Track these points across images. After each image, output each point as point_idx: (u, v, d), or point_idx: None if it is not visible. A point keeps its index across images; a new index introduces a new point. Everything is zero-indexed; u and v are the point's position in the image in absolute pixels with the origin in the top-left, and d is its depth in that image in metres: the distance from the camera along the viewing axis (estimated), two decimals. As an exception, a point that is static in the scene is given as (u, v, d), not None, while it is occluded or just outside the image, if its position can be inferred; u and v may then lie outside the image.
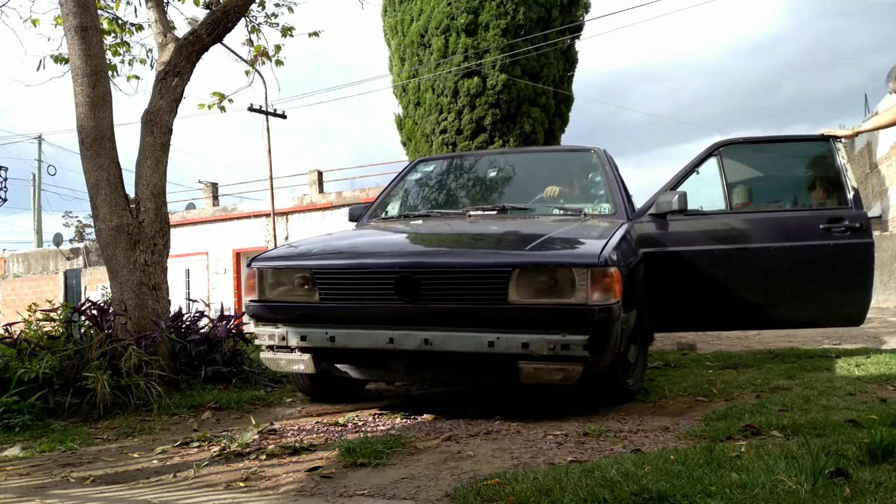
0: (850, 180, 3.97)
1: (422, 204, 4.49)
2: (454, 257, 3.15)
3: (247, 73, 6.25)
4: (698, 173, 4.01)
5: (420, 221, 4.05)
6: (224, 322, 4.58)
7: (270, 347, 3.21)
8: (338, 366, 3.19)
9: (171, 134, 4.47)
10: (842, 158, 4.01)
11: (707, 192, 4.04)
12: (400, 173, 4.70)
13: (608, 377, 3.17)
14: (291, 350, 3.16)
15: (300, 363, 3.15)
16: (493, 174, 4.58)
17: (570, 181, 4.42)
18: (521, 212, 3.96)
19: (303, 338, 3.10)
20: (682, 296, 3.90)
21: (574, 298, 2.80)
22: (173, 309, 4.53)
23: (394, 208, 4.43)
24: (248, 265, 3.27)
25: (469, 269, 2.95)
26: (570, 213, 3.88)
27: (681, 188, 3.93)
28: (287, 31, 6.28)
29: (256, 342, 3.26)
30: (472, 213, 3.95)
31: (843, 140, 4.15)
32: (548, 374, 2.81)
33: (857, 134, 4.24)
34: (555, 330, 2.79)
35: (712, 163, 4.05)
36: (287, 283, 3.18)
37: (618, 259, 2.93)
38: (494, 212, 3.94)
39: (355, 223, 4.41)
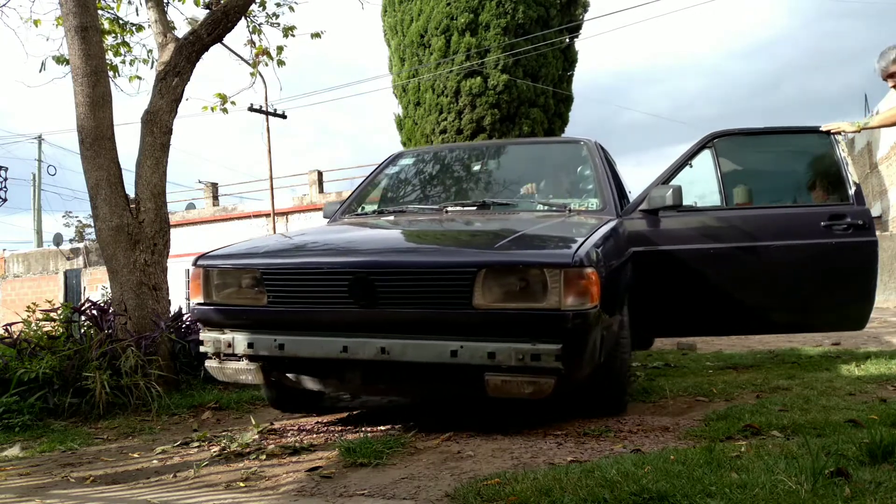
0: (852, 175, 3.77)
1: (398, 199, 4.18)
2: (413, 256, 2.89)
3: (251, 74, 6.25)
4: (691, 166, 3.79)
5: (392, 217, 3.77)
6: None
7: (216, 355, 2.92)
8: (289, 376, 2.92)
9: (171, 134, 4.47)
10: (842, 152, 3.82)
11: (701, 186, 3.85)
12: (377, 167, 4.40)
13: (610, 386, 3.00)
14: (238, 358, 2.88)
15: (247, 373, 2.87)
16: (476, 168, 4.29)
17: (557, 175, 4.16)
18: (502, 207, 3.67)
19: (250, 345, 2.82)
20: (676, 299, 3.68)
21: (545, 303, 2.52)
22: (173, 309, 4.53)
23: (369, 205, 4.13)
24: (194, 264, 2.99)
25: (429, 270, 2.66)
26: (554, 208, 3.61)
27: (673, 182, 3.70)
28: (288, 30, 6.28)
29: (202, 349, 2.98)
30: (449, 208, 3.68)
31: (845, 135, 3.88)
32: (516, 387, 2.53)
33: (860, 130, 3.94)
34: (524, 338, 2.51)
35: (707, 157, 3.83)
36: (234, 284, 2.91)
37: (597, 259, 2.66)
38: (474, 207, 3.66)
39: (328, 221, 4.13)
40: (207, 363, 2.98)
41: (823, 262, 3.62)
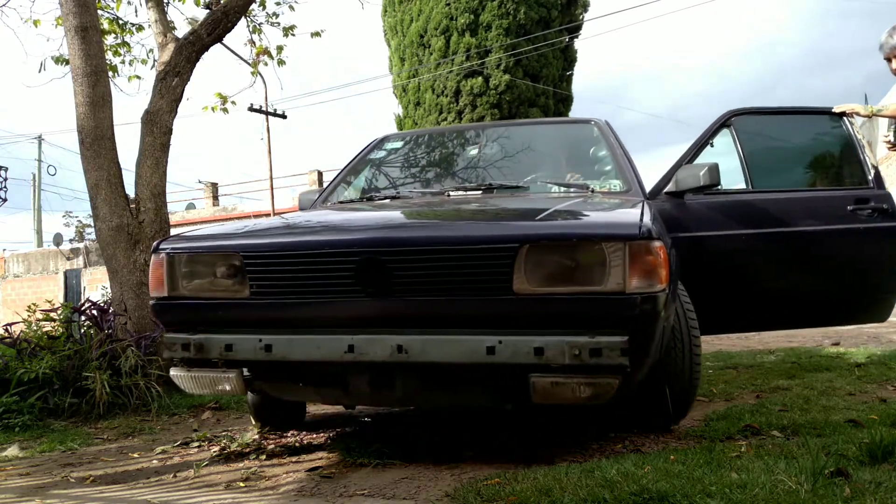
0: (870, 157, 3.57)
1: (388, 185, 3.65)
2: (436, 231, 2.36)
3: (252, 74, 6.27)
4: (713, 145, 3.52)
5: (388, 201, 3.27)
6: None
7: (184, 361, 2.37)
8: (277, 384, 2.45)
9: (171, 134, 4.47)
10: (856, 134, 3.61)
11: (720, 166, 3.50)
12: (360, 151, 3.85)
13: (668, 388, 2.61)
14: (213, 364, 2.34)
15: (225, 382, 2.32)
16: (475, 151, 3.82)
17: (567, 156, 3.76)
18: (511, 190, 3.20)
19: (228, 347, 2.28)
20: (702, 291, 3.22)
21: (605, 285, 2.07)
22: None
23: (353, 191, 3.61)
24: (154, 250, 2.47)
25: (457, 247, 2.16)
26: (572, 190, 3.15)
27: (699, 161, 3.40)
28: (288, 30, 6.29)
29: (166, 355, 2.45)
30: (451, 193, 3.19)
31: (858, 117, 3.68)
32: (571, 390, 2.05)
33: (872, 114, 3.71)
34: (580, 329, 2.07)
35: (726, 136, 3.56)
36: (206, 272, 2.39)
37: (661, 233, 2.24)
38: (479, 192, 3.17)
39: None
40: (173, 371, 2.41)
41: (851, 248, 3.40)
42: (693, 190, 3.25)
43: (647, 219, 2.19)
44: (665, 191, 3.35)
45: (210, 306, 2.36)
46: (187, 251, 2.41)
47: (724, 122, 3.60)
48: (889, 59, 3.77)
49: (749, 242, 3.35)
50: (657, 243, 2.10)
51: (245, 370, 2.33)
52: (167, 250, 2.42)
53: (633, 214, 2.26)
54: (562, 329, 2.08)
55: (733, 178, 3.61)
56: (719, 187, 3.35)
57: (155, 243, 2.48)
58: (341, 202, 3.41)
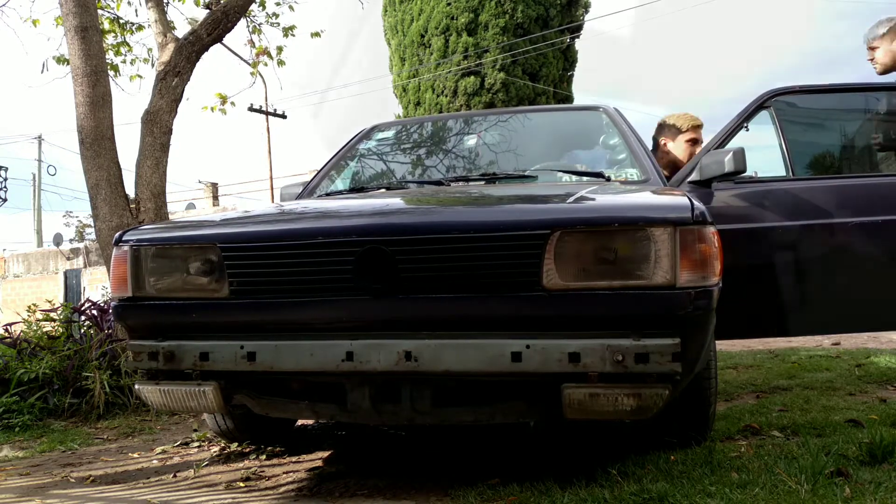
0: None
1: (380, 176, 3.36)
2: (450, 216, 2.04)
3: (252, 74, 6.27)
4: (747, 129, 3.16)
5: (383, 191, 3.00)
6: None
7: (151, 374, 2.06)
8: (262, 400, 2.10)
9: (171, 134, 4.47)
10: None
11: (754, 154, 3.15)
12: (348, 142, 3.57)
13: (695, 403, 2.29)
14: (186, 376, 2.02)
15: (199, 397, 2.00)
16: (473, 141, 3.52)
17: (576, 145, 3.49)
18: (518, 180, 2.86)
19: (204, 355, 1.98)
20: (736, 290, 2.74)
21: (653, 277, 1.78)
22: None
23: (342, 183, 3.30)
24: (116, 243, 2.15)
25: (477, 234, 1.84)
26: (585, 179, 2.82)
27: (730, 146, 3.05)
28: (288, 30, 6.30)
29: (127, 365, 2.16)
30: (451, 183, 2.88)
31: None
32: (612, 403, 1.76)
33: None
34: (622, 331, 1.78)
35: (765, 120, 3.20)
36: (178, 268, 2.06)
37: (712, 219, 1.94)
38: (481, 181, 2.86)
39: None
40: (138, 385, 2.09)
41: None
42: (719, 178, 2.93)
43: (697, 202, 1.90)
44: (689, 180, 3.01)
45: (182, 308, 2.04)
46: (155, 243, 2.10)
47: (761, 104, 3.20)
48: (871, 49, 3.62)
49: (785, 237, 3.00)
50: (711, 229, 1.83)
51: (224, 382, 2.01)
52: (131, 242, 2.11)
53: (679, 197, 1.97)
54: (599, 331, 1.80)
55: (773, 166, 3.26)
56: (753, 175, 3.05)
57: (117, 235, 2.17)
58: (329, 194, 3.10)
